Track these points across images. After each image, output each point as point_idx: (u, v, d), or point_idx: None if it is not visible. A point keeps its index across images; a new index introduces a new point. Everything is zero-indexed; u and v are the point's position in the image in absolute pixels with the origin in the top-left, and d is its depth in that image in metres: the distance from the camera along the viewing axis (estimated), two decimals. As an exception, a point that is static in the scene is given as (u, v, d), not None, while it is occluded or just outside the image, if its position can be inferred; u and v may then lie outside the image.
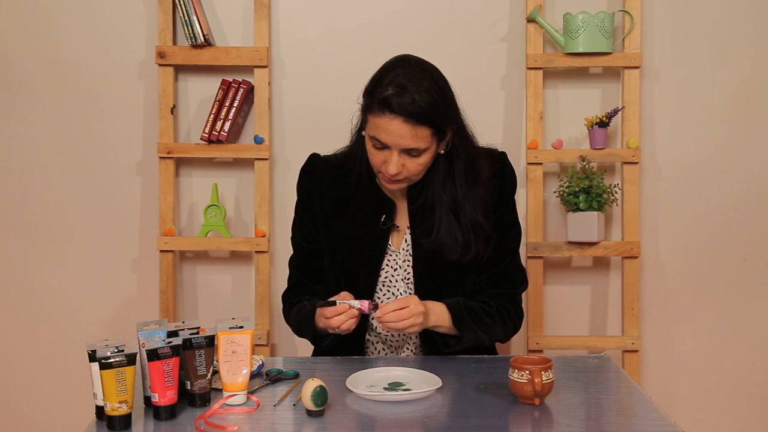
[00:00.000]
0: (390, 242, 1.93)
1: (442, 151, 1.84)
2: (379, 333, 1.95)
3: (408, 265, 1.92)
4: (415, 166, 1.79)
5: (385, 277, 1.92)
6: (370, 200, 1.93)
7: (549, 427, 1.52)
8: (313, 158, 2.02)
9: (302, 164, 2.03)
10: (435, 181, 1.87)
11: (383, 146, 1.77)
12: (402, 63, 1.80)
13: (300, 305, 1.96)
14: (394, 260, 1.93)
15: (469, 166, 1.87)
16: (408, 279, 1.92)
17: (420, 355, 1.96)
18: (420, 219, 1.90)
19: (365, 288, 1.92)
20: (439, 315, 1.85)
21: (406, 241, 1.92)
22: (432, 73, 1.80)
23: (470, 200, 1.86)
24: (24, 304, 2.79)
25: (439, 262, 1.88)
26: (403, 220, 1.94)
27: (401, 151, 1.77)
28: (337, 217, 1.94)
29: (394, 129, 1.74)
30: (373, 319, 1.90)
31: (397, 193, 1.93)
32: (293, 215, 2.05)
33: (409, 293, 1.91)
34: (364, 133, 1.85)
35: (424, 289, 1.90)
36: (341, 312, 1.75)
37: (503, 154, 1.98)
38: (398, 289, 1.93)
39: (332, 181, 1.95)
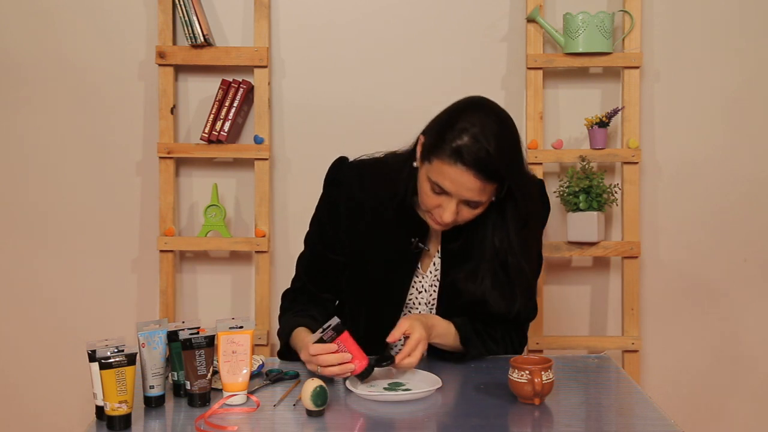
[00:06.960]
0: (419, 264, 1.86)
1: (494, 198, 1.73)
2: None
3: (434, 290, 1.86)
4: (470, 214, 1.71)
5: (409, 299, 1.87)
6: (404, 220, 1.82)
7: (549, 427, 1.52)
8: (341, 164, 1.89)
9: (327, 168, 1.90)
10: (485, 229, 1.77)
11: (442, 191, 1.67)
12: (477, 108, 1.68)
13: (295, 313, 1.87)
14: (420, 283, 1.87)
15: (523, 211, 1.76)
16: (431, 303, 1.87)
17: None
18: (455, 251, 1.83)
19: (389, 308, 1.85)
20: (442, 333, 1.79)
21: (434, 264, 1.86)
22: (506, 123, 1.69)
23: (518, 246, 1.76)
24: (24, 303, 2.78)
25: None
26: (433, 242, 1.86)
27: (460, 201, 1.68)
28: (365, 232, 1.84)
29: (463, 181, 1.63)
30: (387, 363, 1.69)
31: None
32: (313, 213, 1.94)
33: None
34: (416, 164, 1.73)
35: (446, 315, 1.84)
36: (337, 358, 1.62)
37: (541, 183, 1.92)
38: (419, 312, 1.87)
39: (363, 194, 1.84)
